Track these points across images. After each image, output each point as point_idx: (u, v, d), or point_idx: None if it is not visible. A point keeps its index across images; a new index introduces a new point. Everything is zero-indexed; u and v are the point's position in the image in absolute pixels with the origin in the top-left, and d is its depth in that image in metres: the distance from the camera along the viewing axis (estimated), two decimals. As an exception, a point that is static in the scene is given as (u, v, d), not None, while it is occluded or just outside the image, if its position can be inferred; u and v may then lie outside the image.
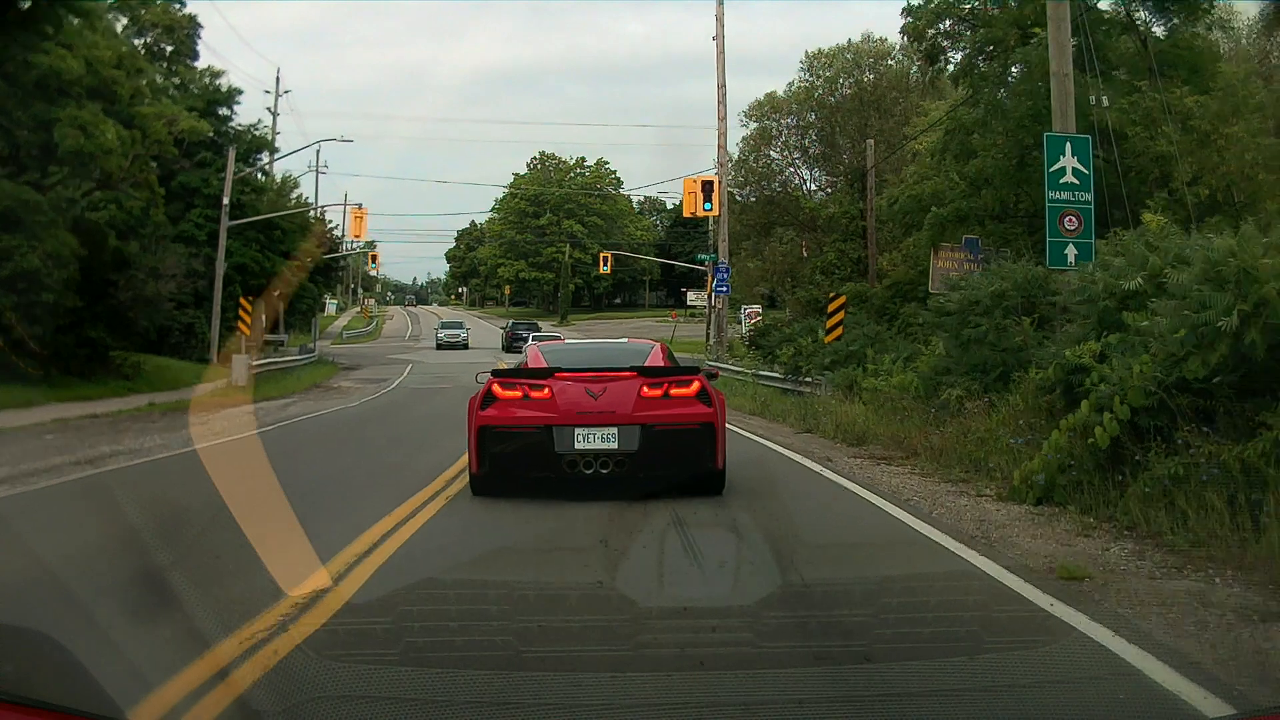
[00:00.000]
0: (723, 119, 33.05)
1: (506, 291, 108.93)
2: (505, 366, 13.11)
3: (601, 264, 58.64)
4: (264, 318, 44.06)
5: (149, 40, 42.47)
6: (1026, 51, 17.95)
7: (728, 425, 10.33)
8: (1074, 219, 13.36)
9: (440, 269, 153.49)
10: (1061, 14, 14.17)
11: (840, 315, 21.07)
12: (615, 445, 9.20)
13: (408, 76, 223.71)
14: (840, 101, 39.98)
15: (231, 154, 37.43)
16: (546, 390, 9.55)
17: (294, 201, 48.07)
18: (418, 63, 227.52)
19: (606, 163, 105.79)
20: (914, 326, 19.59)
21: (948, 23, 21.39)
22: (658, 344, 11.39)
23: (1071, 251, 13.24)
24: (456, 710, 4.18)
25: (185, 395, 25.16)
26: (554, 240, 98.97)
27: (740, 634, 5.09)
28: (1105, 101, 15.15)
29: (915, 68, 40.45)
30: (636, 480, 9.15)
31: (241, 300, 30.76)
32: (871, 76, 39.73)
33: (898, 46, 40.20)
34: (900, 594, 5.72)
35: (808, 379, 21.70)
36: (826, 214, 36.94)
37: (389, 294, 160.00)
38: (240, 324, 30.49)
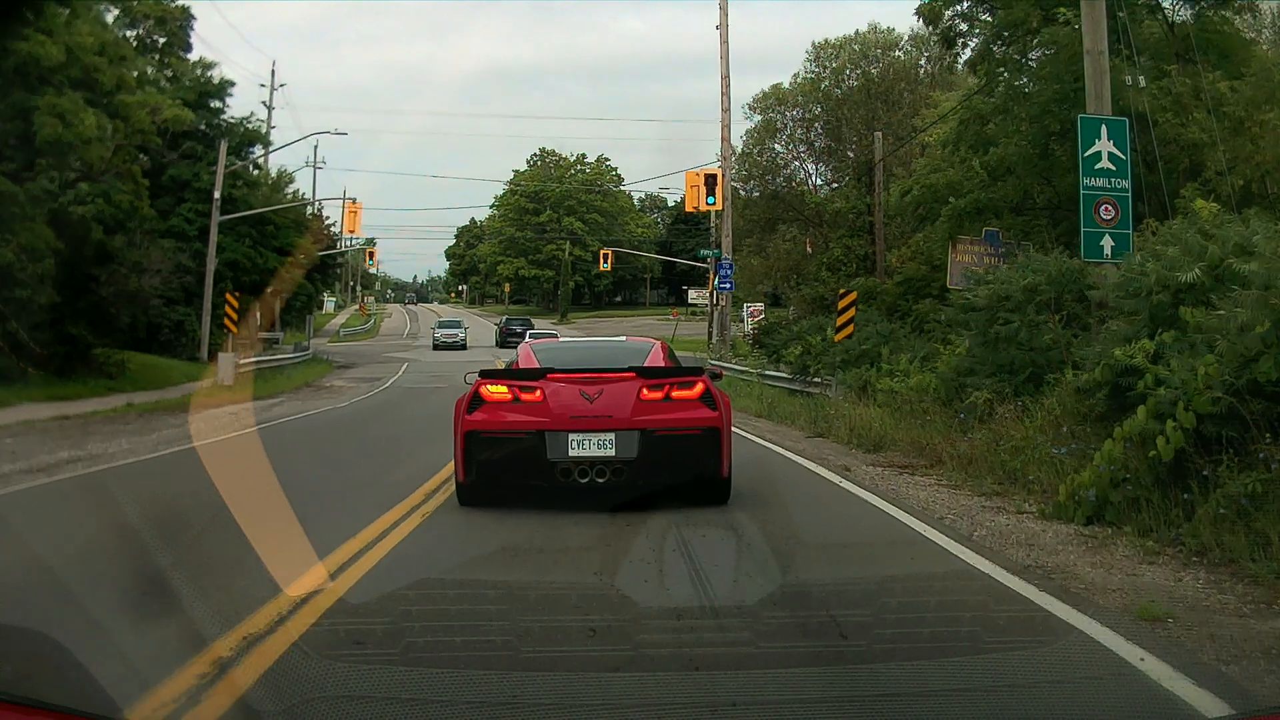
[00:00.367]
0: (726, 109, 32.06)
1: (506, 289, 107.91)
2: (503, 366, 12.17)
3: (602, 261, 57.52)
4: (259, 315, 43.27)
5: (141, 32, 41.60)
6: (1053, 31, 16.92)
7: (733, 428, 9.56)
8: (1110, 207, 12.36)
9: (441, 267, 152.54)
10: (1095, -12, 13.17)
11: (851, 312, 20.07)
12: (612, 452, 8.44)
13: (408, 74, 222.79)
14: (847, 93, 38.95)
15: (223, 147, 36.50)
16: (538, 392, 8.77)
17: (290, 197, 47.13)
18: (418, 61, 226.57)
19: (607, 159, 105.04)
20: (931, 324, 18.62)
21: (965, 3, 20.34)
22: (658, 342, 10.49)
23: (1108, 243, 12.23)
24: (456, 710, 4.15)
25: (167, 395, 24.23)
26: (554, 237, 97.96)
27: (740, 634, 5.03)
28: (1142, 82, 14.12)
29: (925, 59, 39.56)
30: (635, 490, 8.40)
31: (228, 296, 29.71)
32: (879, 67, 38.68)
33: (905, 37, 39.32)
34: (965, 650, 4.74)
35: (816, 379, 20.74)
36: (833, 209, 35.99)
37: (389, 292, 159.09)
38: (227, 320, 29.44)
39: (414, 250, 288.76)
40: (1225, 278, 8.64)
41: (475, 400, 8.87)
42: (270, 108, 56.73)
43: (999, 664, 4.66)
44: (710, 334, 40.87)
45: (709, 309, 42.09)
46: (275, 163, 74.42)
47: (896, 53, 38.94)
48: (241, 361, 29.80)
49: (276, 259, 41.10)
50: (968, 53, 20.89)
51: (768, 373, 24.40)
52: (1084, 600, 5.86)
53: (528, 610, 5.41)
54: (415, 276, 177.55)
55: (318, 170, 72.00)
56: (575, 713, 4.16)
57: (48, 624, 4.54)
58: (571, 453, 8.45)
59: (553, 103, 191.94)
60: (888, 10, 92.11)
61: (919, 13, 21.20)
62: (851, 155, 40.00)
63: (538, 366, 9.29)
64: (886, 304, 23.78)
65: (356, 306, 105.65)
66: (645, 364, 9.29)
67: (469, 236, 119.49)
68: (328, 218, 51.67)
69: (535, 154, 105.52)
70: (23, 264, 21.96)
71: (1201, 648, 5.03)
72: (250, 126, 43.17)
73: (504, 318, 63.49)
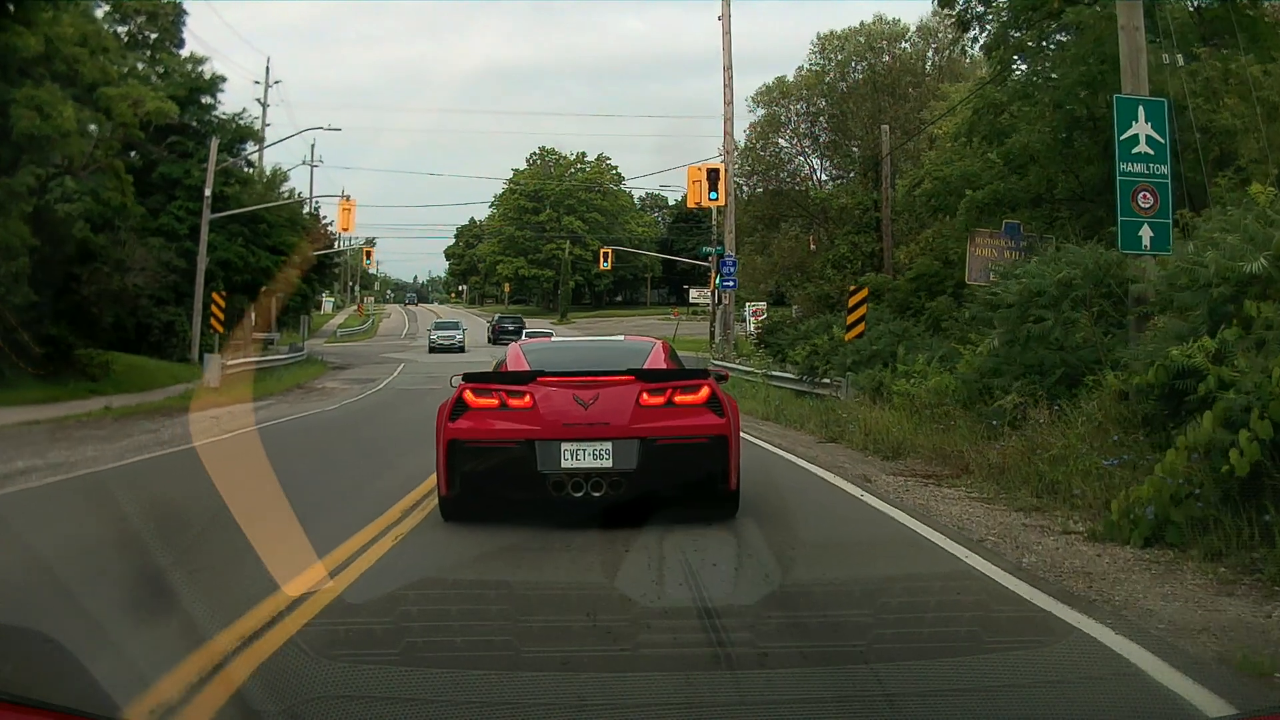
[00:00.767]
0: (729, 102, 31.12)
1: (506, 289, 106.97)
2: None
3: (601, 260, 56.50)
4: (253, 315, 42.42)
5: (133, 28, 40.79)
6: (1079, 11, 15.96)
7: (740, 433, 8.61)
8: (1148, 195, 11.39)
9: (441, 267, 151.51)
10: (1128, -40, 12.23)
11: (862, 310, 19.14)
12: (609, 463, 7.62)
13: (408, 74, 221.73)
14: (853, 86, 37.96)
15: (214, 144, 35.62)
16: (528, 397, 7.91)
17: (285, 195, 46.27)
18: (418, 61, 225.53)
19: (607, 158, 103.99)
20: (949, 322, 17.69)
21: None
22: (659, 342, 9.58)
23: (1146, 233, 11.27)
24: (456, 710, 4.13)
25: (149, 398, 23.33)
26: (554, 236, 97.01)
27: (740, 634, 4.98)
28: (1180, 60, 13.17)
29: (932, 50, 38.62)
30: (634, 504, 7.57)
31: (214, 296, 28.78)
32: (886, 59, 37.68)
33: (913, 29, 38.37)
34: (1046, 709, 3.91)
35: (825, 380, 19.80)
36: (838, 204, 35.04)
37: (389, 292, 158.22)
38: (213, 321, 28.49)
39: (414, 250, 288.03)
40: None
41: (458, 406, 8.01)
42: (265, 105, 55.35)
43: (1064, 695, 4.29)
44: (712, 333, 39.96)
45: (711, 308, 41.16)
46: (270, 161, 73.68)
47: (904, 45, 37.95)
48: (229, 363, 28.91)
49: (270, 258, 40.29)
50: (983, 38, 19.84)
51: (773, 373, 23.48)
52: (1168, 647, 4.93)
53: (528, 610, 5.39)
54: (415, 277, 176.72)
55: (315, 170, 70.93)
56: (575, 713, 4.11)
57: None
58: (564, 464, 7.64)
59: (553, 103, 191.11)
60: (888, 9, 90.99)
61: (934, -7, 20.20)
62: (857, 149, 39.05)
63: (527, 369, 8.41)
64: (898, 301, 22.82)
65: (355, 307, 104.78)
66: (645, 366, 8.44)
67: (468, 236, 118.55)
68: (325, 217, 50.69)
69: (534, 153, 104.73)
70: (-6, 262, 21.07)
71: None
72: (243, 123, 42.35)
73: (496, 316, 62.91)
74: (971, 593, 5.82)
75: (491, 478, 7.83)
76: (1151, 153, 11.50)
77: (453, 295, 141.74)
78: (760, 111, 39.60)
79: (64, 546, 6.93)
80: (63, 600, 5.33)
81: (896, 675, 4.34)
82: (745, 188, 39.41)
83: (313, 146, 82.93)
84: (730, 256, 31.75)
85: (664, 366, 8.68)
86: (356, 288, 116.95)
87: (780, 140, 39.64)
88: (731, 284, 32.26)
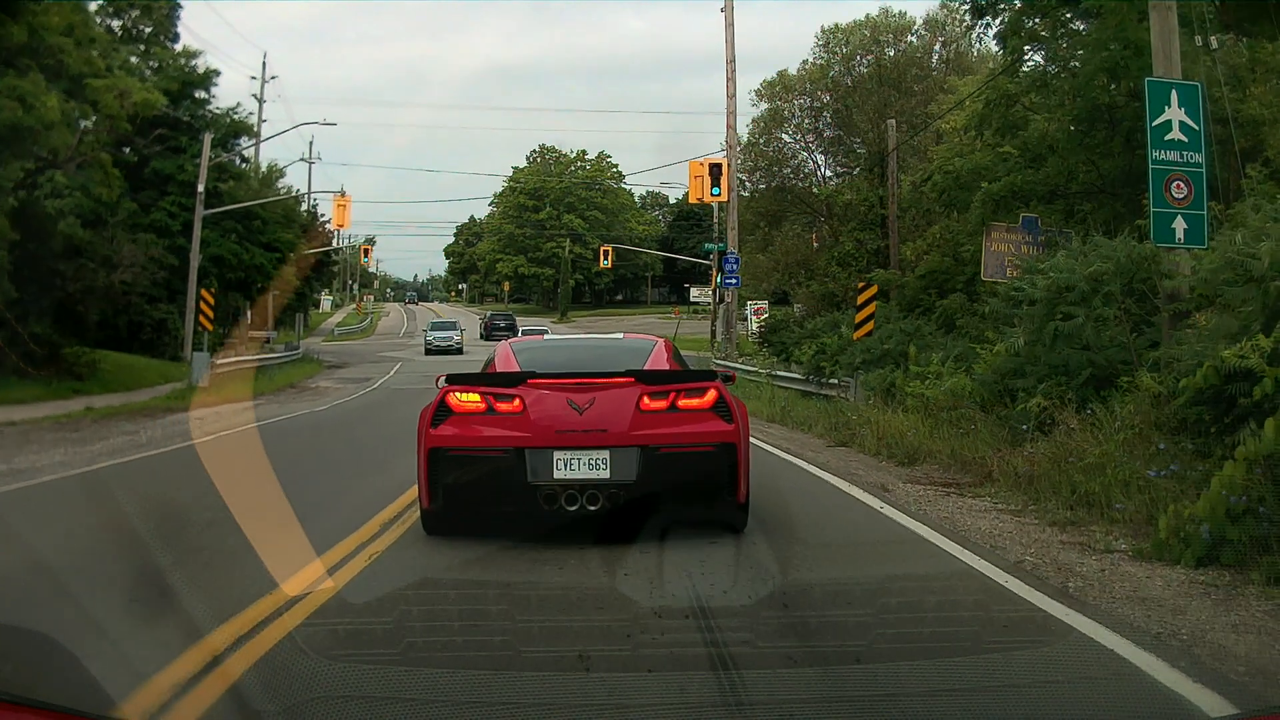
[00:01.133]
0: (732, 96, 30.43)
1: (505, 288, 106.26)
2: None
3: (602, 258, 55.70)
4: (249, 313, 41.76)
5: (126, 22, 40.18)
6: (1099, -7, 15.24)
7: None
8: (1182, 184, 10.68)
9: (442, 266, 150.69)
10: (1159, -65, 11.51)
11: (871, 308, 18.45)
12: (606, 474, 6.94)
13: (409, 74, 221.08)
14: (858, 81, 37.20)
15: (207, 139, 34.94)
16: (517, 401, 7.21)
17: (282, 191, 45.60)
18: (418, 60, 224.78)
19: (608, 156, 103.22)
20: (963, 320, 16.99)
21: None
22: (661, 340, 8.87)
23: (1180, 225, 10.55)
24: (456, 710, 4.12)
25: (135, 398, 22.67)
26: (554, 235, 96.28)
27: (740, 634, 4.94)
28: (1214, 43, 12.47)
29: (940, 43, 37.90)
30: (633, 517, 6.88)
31: (203, 293, 28.07)
32: (892, 53, 36.92)
33: (919, 22, 37.65)
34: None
35: (833, 380, 19.12)
36: (843, 201, 34.32)
37: (389, 291, 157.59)
38: (202, 319, 27.79)
39: (415, 249, 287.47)
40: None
41: (441, 411, 7.31)
42: (261, 100, 54.61)
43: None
44: (713, 332, 39.28)
45: (713, 306, 40.47)
46: (267, 157, 72.91)
47: (910, 38, 37.20)
48: (220, 362, 28.23)
49: (264, 255, 39.66)
50: (997, 25, 19.11)
51: (778, 373, 22.80)
52: (1252, 693, 4.25)
53: (528, 610, 5.38)
54: (416, 275, 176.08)
55: (315, 168, 70.24)
56: (575, 713, 4.10)
57: None
58: (557, 474, 6.95)
59: (554, 103, 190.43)
60: (893, 2, 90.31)
61: (948, -23, 19.43)
62: (860, 146, 38.33)
63: (517, 370, 7.71)
64: (907, 299, 22.10)
65: (354, 305, 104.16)
66: (646, 367, 7.75)
67: (468, 234, 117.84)
68: (323, 215, 49.92)
69: (535, 150, 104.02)
70: (-31, 258, 20.38)
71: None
72: (237, 117, 41.73)
73: (488, 313, 62.62)
74: (1024, 631, 5.11)
75: (477, 489, 7.15)
76: (1185, 140, 10.79)
77: (453, 294, 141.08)
78: (763, 106, 38.92)
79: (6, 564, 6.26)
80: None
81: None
82: (748, 184, 38.73)
83: (310, 143, 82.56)
84: (733, 253, 31.04)
85: (666, 367, 7.99)
86: (356, 286, 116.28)
87: (783, 135, 38.94)
88: (734, 281, 31.54)
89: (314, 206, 52.61)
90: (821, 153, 40.28)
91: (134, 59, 37.04)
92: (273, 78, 70.22)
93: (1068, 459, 8.78)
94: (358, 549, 7.01)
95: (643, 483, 6.91)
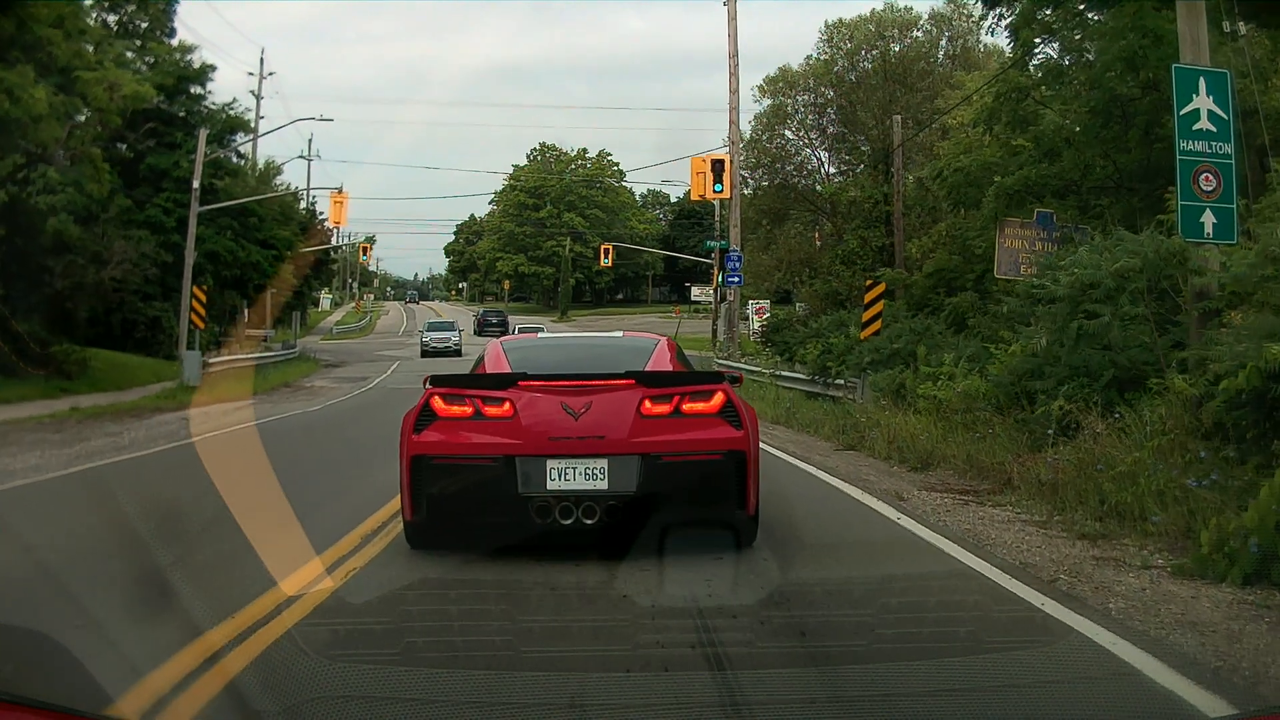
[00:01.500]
0: (734, 91, 29.86)
1: (505, 286, 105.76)
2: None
3: (602, 257, 55.11)
4: (246, 311, 41.29)
5: (122, 16, 39.74)
6: (1119, -20, 14.73)
7: None
8: (1211, 176, 10.16)
9: (443, 264, 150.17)
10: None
11: (879, 306, 17.94)
12: (604, 484, 6.41)
13: (409, 73, 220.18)
14: (862, 76, 36.66)
15: (203, 135, 34.39)
16: (507, 405, 6.68)
17: (280, 189, 45.13)
18: (419, 60, 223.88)
19: (608, 154, 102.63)
20: (975, 319, 16.47)
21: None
22: (663, 339, 8.31)
23: (1209, 219, 10.04)
24: (456, 710, 4.10)
25: (124, 397, 22.18)
26: (554, 233, 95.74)
27: (741, 634, 4.94)
28: (1242, 28, 11.95)
29: (946, 38, 37.36)
30: (633, 532, 6.39)
31: (195, 290, 27.57)
32: (897, 48, 36.38)
33: (925, 16, 37.13)
34: None
35: (839, 381, 18.61)
36: (847, 198, 33.78)
37: (389, 289, 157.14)
38: (194, 316, 27.28)
39: (415, 247, 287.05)
40: None
41: (425, 415, 6.79)
42: (259, 96, 54.15)
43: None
44: (715, 331, 38.76)
45: (714, 305, 39.95)
46: (265, 154, 72.34)
47: (915, 33, 36.65)
48: (212, 360, 27.75)
49: (260, 252, 39.19)
50: (1009, 15, 18.56)
51: (782, 373, 22.29)
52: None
53: (528, 610, 5.37)
54: (416, 274, 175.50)
55: (313, 166, 69.64)
56: (575, 713, 4.08)
57: None
58: (551, 485, 6.43)
59: (555, 103, 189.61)
60: (894, 3, 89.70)
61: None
62: (864, 143, 37.82)
63: (508, 371, 7.19)
64: (914, 298, 21.58)
65: (353, 304, 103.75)
66: (647, 368, 7.21)
67: (469, 233, 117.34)
68: (322, 213, 49.41)
69: (535, 148, 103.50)
70: (-51, 253, 19.89)
71: None
72: (233, 113, 41.17)
73: (481, 310, 62.45)
74: (1071, 664, 4.61)
75: (464, 500, 6.62)
76: (1214, 130, 10.29)
77: (453, 293, 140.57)
78: (766, 102, 38.40)
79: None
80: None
81: None
82: (750, 181, 38.19)
83: (310, 141, 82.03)
84: (735, 251, 30.50)
85: (669, 368, 7.45)
86: (355, 284, 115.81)
87: (786, 132, 38.41)
88: (736, 280, 30.98)
89: (313, 204, 52.25)
90: (825, 149, 39.79)
91: (129, 54, 36.57)
92: (270, 74, 69.78)
93: (1095, 466, 8.27)
94: (356, 548, 6.76)
95: (644, 494, 6.39)
